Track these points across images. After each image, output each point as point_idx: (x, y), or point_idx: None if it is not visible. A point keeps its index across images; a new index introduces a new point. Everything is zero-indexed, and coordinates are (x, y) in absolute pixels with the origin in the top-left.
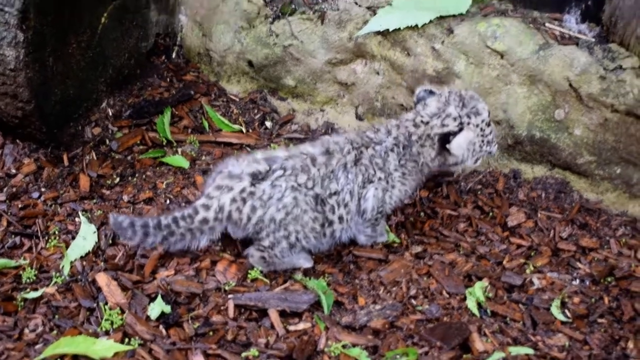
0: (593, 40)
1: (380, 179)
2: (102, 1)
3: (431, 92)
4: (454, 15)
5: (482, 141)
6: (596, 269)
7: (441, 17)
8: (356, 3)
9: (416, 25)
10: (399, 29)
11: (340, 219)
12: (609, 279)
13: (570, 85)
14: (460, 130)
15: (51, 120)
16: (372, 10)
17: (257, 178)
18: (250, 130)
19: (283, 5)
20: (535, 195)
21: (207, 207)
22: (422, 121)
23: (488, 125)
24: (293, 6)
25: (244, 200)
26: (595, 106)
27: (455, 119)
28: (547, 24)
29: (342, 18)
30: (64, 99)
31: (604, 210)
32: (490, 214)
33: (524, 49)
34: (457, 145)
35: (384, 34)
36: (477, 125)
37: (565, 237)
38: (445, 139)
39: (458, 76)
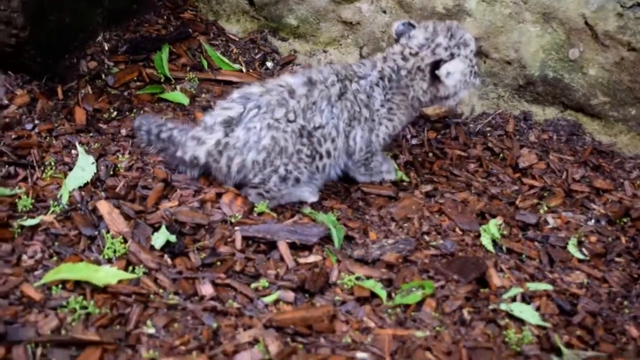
0: None
1: (366, 118)
2: None
3: (410, 25)
4: None
5: (471, 72)
6: (611, 209)
7: None
8: None
9: None
10: None
11: (328, 153)
12: (625, 220)
13: (586, 22)
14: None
15: (46, 50)
16: None
17: (230, 125)
18: (251, 70)
19: None
20: (547, 137)
21: (184, 152)
22: (410, 53)
23: (475, 56)
24: None
25: (220, 153)
26: (611, 44)
27: (445, 48)
28: None
29: None
30: (60, 28)
31: (617, 153)
32: (501, 155)
33: None
34: (449, 74)
35: None
36: (467, 56)
37: (578, 178)
38: (436, 67)
39: (469, 14)
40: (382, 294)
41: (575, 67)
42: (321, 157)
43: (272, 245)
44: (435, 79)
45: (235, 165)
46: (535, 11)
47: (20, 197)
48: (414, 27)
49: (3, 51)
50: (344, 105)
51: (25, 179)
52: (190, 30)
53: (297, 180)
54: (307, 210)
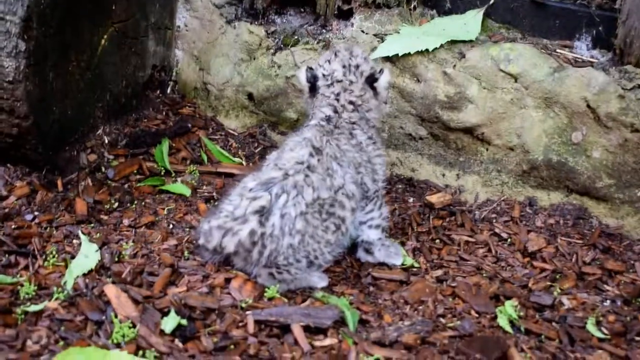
0: (607, 62)
1: (365, 160)
2: (102, 23)
3: (311, 68)
4: (463, 41)
5: None
6: (625, 290)
7: (452, 42)
8: (363, 31)
9: (426, 50)
10: (409, 54)
11: (352, 210)
12: None
13: (588, 105)
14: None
15: (48, 141)
16: (380, 37)
17: (262, 214)
18: (251, 164)
19: (285, 37)
20: (553, 222)
21: (207, 241)
22: (349, 81)
23: None
24: (296, 37)
25: (254, 243)
26: (614, 126)
27: (364, 64)
28: (557, 50)
29: None
30: (62, 120)
31: (625, 236)
32: (509, 240)
33: (539, 71)
34: (385, 82)
35: (393, 60)
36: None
37: (588, 261)
38: (373, 80)
39: (471, 100)
40: None
41: (579, 151)
42: (344, 220)
43: (286, 329)
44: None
45: (268, 252)
46: (536, 96)
47: (22, 285)
48: (313, 69)
49: (3, 142)
50: (348, 158)
51: (26, 268)
52: (190, 125)
53: (319, 265)
54: (319, 294)
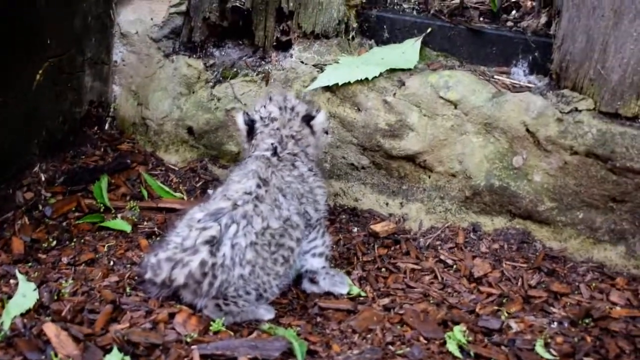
0: (544, 87)
1: (307, 191)
2: (37, 57)
3: (247, 113)
4: (402, 70)
5: None
6: (572, 312)
7: (391, 71)
8: (302, 62)
9: (366, 79)
10: (349, 83)
11: (298, 240)
12: (587, 321)
13: (528, 130)
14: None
15: None
16: (319, 67)
17: (213, 244)
18: (192, 199)
19: (224, 70)
20: (498, 246)
21: (155, 274)
22: (287, 119)
23: None
24: (235, 69)
25: (204, 274)
26: (553, 149)
27: (303, 107)
28: (495, 77)
29: (288, 77)
30: None
31: (568, 258)
32: (454, 266)
33: (478, 97)
34: (321, 120)
35: (333, 90)
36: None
37: (534, 284)
38: (310, 117)
39: (412, 128)
40: None
41: (520, 175)
42: (292, 251)
43: None
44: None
45: (219, 282)
46: (476, 122)
47: None
48: (248, 114)
49: None
50: (292, 189)
51: None
52: (129, 161)
53: (266, 298)
54: (265, 326)
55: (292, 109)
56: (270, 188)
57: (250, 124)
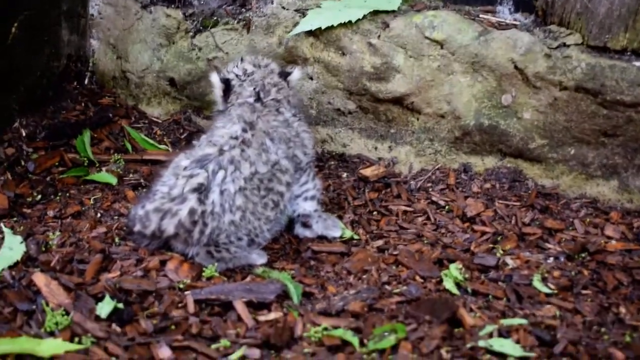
0: (531, 24)
1: (294, 135)
2: (12, 10)
3: (220, 71)
4: (386, 12)
5: None
6: (567, 247)
7: (375, 13)
8: (283, 7)
9: (350, 22)
10: (332, 26)
11: (288, 184)
12: (583, 255)
13: (516, 67)
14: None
15: None
16: (301, 12)
17: (201, 192)
18: (177, 150)
19: (204, 19)
20: (490, 186)
21: (144, 226)
22: (264, 73)
23: None
24: (215, 18)
25: (194, 222)
26: (543, 85)
27: (276, 65)
28: (481, 16)
29: (269, 23)
30: None
31: (561, 195)
32: (447, 207)
33: (464, 36)
34: (297, 76)
35: (316, 35)
36: None
37: (528, 222)
38: (286, 73)
39: (397, 70)
40: (354, 340)
41: (510, 113)
42: (282, 195)
43: (228, 306)
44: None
45: (209, 230)
46: (463, 61)
47: None
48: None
49: None
50: (278, 133)
51: None
52: (111, 114)
53: (258, 243)
54: (259, 270)
55: (267, 65)
56: (257, 132)
57: (226, 82)
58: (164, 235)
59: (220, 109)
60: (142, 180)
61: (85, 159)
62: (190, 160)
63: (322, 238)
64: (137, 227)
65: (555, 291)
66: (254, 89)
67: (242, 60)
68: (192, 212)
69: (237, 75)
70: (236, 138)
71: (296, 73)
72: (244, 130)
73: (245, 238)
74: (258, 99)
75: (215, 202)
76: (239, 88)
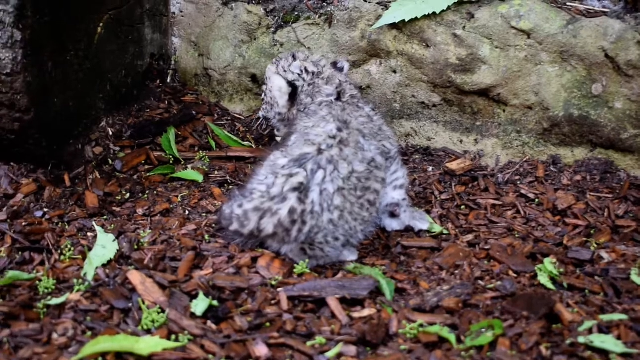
0: (621, 11)
1: (377, 129)
2: (97, 10)
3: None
4: (471, 2)
5: None
6: None
7: (459, 3)
8: (366, 0)
9: (434, 13)
10: (416, 19)
11: (383, 180)
12: None
13: (607, 55)
14: None
15: (51, 135)
16: (384, 5)
17: (301, 191)
18: (261, 146)
19: (285, 14)
20: (580, 178)
21: (242, 225)
22: (322, 68)
23: None
24: (296, 13)
25: (293, 222)
26: (635, 74)
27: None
28: (568, 3)
29: (352, 17)
30: (64, 112)
31: None
32: (537, 200)
33: (552, 25)
34: (348, 68)
35: (400, 27)
36: None
37: (621, 214)
38: (337, 66)
39: (484, 61)
40: (451, 337)
41: (601, 103)
42: (378, 193)
43: (321, 303)
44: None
45: (308, 228)
46: (551, 51)
47: (40, 280)
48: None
49: (5, 139)
50: (367, 129)
51: (42, 263)
52: (194, 112)
53: (351, 244)
54: (350, 266)
55: (318, 61)
56: (352, 130)
57: (293, 86)
58: (262, 234)
59: (282, 111)
60: (227, 177)
61: (171, 156)
62: (288, 159)
63: (409, 231)
64: (235, 226)
65: None
66: (336, 87)
67: (294, 57)
68: (292, 211)
69: (299, 75)
70: (334, 137)
71: (346, 65)
72: (339, 130)
73: (342, 238)
74: (339, 97)
75: (315, 202)
76: (310, 89)
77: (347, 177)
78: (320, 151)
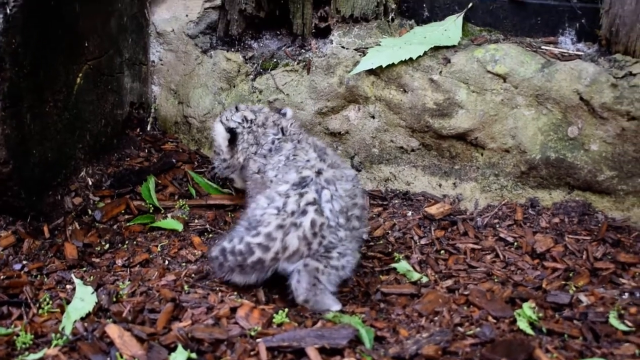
0: (595, 53)
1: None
2: (76, 61)
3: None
4: (447, 47)
5: None
6: None
7: (435, 49)
8: (343, 47)
9: (410, 59)
10: (393, 64)
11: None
12: None
13: (581, 98)
14: None
15: (30, 186)
16: (361, 51)
17: (315, 204)
18: (241, 194)
19: (264, 61)
20: (558, 220)
21: (265, 250)
22: (264, 118)
23: None
24: (275, 60)
25: (314, 234)
26: (610, 116)
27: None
28: (543, 47)
29: (330, 63)
30: (43, 163)
31: (633, 227)
32: (515, 244)
33: (527, 69)
34: (291, 115)
35: (377, 73)
36: None
37: (599, 256)
38: (281, 113)
39: (461, 106)
40: None
41: (577, 145)
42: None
43: (300, 353)
44: None
45: (326, 242)
46: (527, 94)
47: (17, 335)
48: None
49: None
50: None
51: (20, 317)
52: (174, 160)
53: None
54: (330, 315)
55: (259, 109)
56: (329, 153)
57: (232, 132)
58: (286, 253)
59: (226, 157)
60: (207, 226)
61: (151, 205)
62: (288, 184)
63: (390, 281)
64: (252, 258)
65: (633, 328)
66: (276, 124)
67: (236, 109)
68: (313, 223)
69: (239, 123)
70: (323, 160)
71: (289, 112)
72: (319, 156)
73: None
74: (282, 132)
75: (329, 217)
76: (252, 136)
77: (344, 196)
78: (318, 173)
